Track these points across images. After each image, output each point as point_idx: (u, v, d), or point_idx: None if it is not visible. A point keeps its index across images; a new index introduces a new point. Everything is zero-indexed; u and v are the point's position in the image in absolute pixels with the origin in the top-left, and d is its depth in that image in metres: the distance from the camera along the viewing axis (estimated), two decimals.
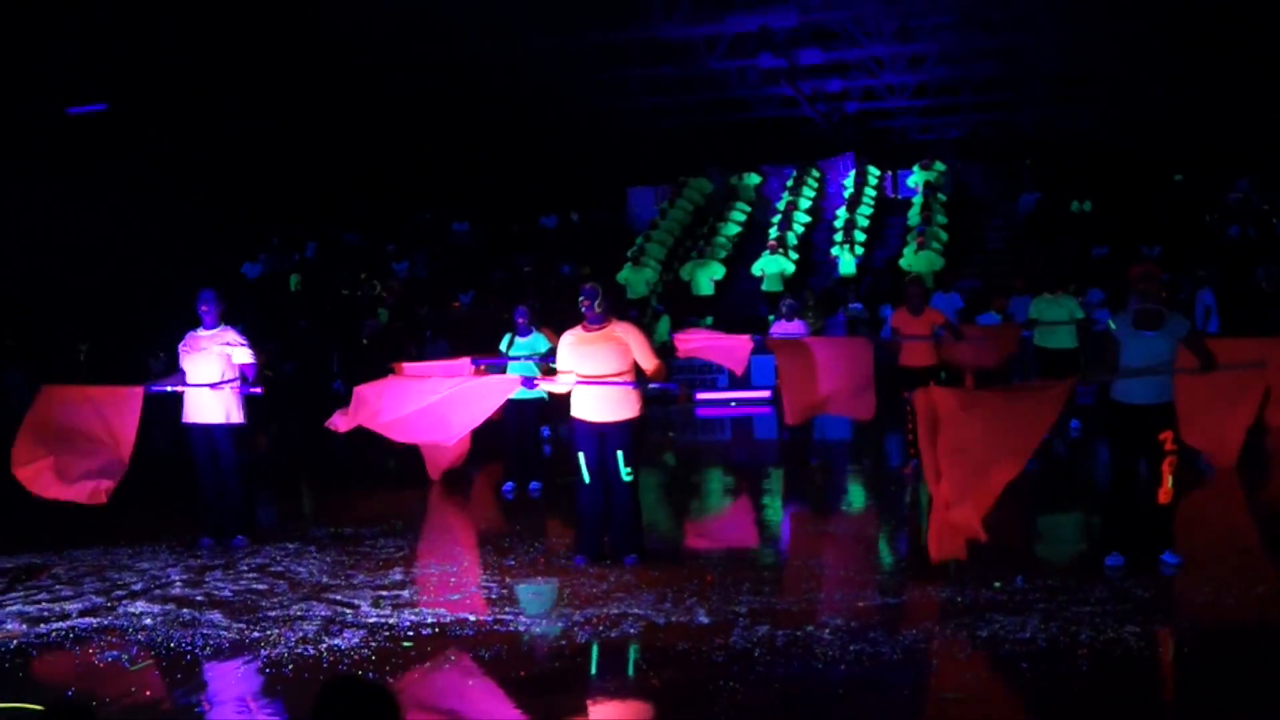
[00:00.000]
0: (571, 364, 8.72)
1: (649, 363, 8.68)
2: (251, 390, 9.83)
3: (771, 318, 15.76)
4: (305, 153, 28.14)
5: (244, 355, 9.80)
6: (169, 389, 9.78)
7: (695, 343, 14.03)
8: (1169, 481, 7.98)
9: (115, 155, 24.74)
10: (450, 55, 25.12)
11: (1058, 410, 8.24)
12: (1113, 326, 8.20)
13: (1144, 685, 6.18)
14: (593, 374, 8.63)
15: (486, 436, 10.56)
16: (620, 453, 8.62)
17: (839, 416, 13.76)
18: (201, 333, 9.81)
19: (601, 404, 8.64)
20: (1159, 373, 7.97)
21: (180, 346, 9.87)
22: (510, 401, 12.01)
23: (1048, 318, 14.64)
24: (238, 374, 9.80)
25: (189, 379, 9.74)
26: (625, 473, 8.63)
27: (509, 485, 12.32)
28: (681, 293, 24.34)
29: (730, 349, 13.87)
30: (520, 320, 12.19)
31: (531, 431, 12.48)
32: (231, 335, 9.82)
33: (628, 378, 8.65)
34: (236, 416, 9.79)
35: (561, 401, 9.36)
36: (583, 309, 8.72)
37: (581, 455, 8.73)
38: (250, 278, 28.17)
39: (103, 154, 24.45)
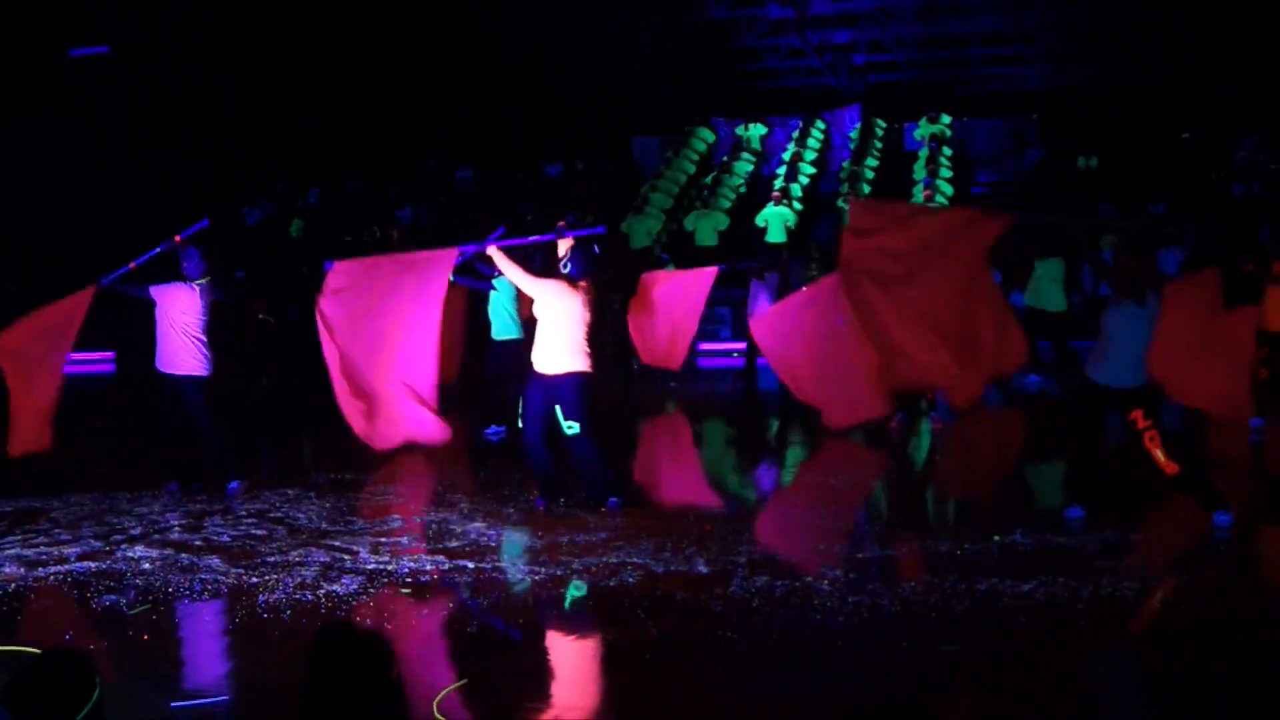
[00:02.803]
0: (554, 308, 8.67)
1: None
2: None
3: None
4: (309, 99, 27.95)
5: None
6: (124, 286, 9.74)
7: (659, 286, 14.02)
8: (1160, 455, 7.87)
9: (117, 98, 24.55)
10: (455, 2, 24.90)
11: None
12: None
13: (1141, 641, 6.18)
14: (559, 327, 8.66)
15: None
16: (559, 407, 8.68)
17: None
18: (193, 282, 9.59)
19: (550, 356, 8.68)
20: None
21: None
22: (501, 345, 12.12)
23: (1043, 271, 14.68)
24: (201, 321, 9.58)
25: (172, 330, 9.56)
26: (567, 427, 8.69)
27: (494, 430, 12.34)
28: (685, 243, 24.21)
29: (686, 290, 13.95)
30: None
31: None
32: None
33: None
34: (201, 369, 9.54)
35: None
36: (565, 268, 8.78)
37: (521, 400, 8.98)
38: (250, 223, 28.05)
39: (104, 97, 24.28)
